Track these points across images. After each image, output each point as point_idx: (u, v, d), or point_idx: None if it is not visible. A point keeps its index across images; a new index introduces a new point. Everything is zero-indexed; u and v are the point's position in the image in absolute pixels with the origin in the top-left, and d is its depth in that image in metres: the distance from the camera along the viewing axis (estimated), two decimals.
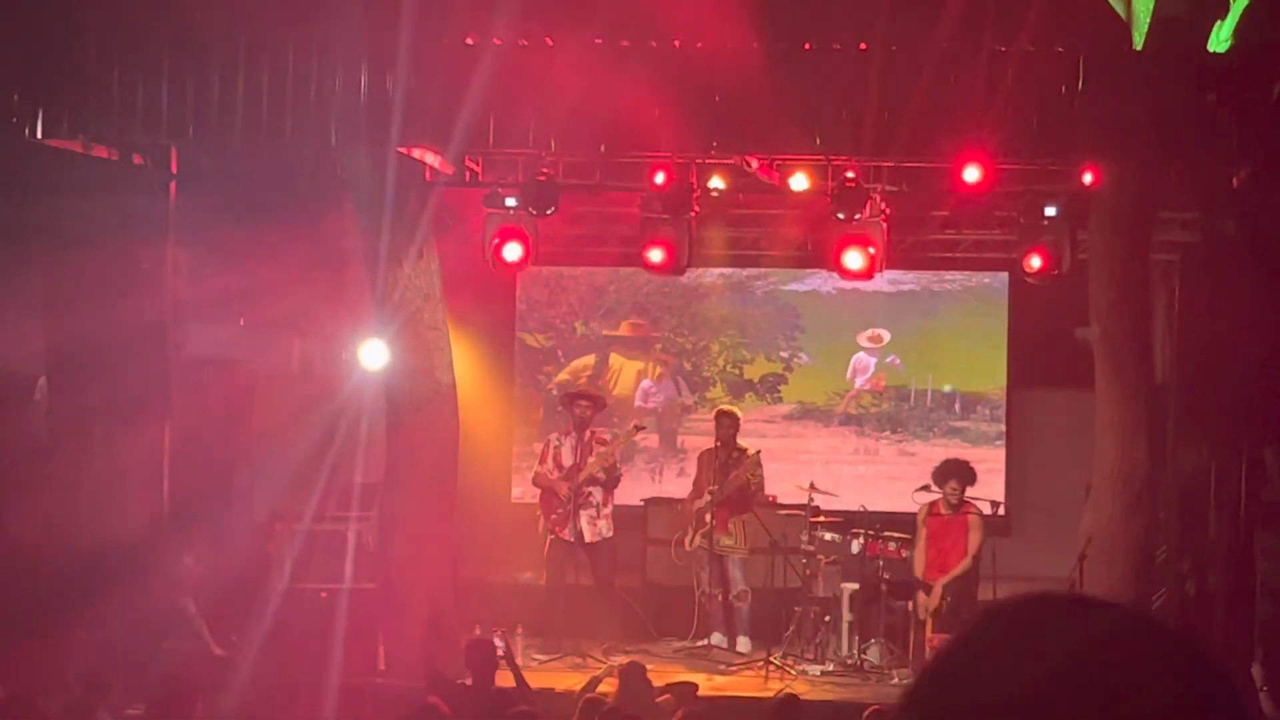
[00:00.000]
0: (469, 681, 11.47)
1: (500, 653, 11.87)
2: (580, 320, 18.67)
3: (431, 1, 12.58)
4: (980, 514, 14.24)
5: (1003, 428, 18.06)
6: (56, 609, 13.15)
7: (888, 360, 18.27)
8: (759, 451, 15.22)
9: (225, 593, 13.80)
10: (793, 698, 11.50)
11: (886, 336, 18.27)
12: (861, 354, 18.28)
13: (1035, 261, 13.56)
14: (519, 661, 13.51)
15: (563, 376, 18.48)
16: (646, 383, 18.55)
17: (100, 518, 14.01)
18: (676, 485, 17.06)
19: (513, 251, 14.30)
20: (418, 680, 12.53)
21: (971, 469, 14.43)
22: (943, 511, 14.26)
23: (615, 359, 18.75)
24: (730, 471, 15.06)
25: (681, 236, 14.00)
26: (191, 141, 13.14)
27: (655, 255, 14.09)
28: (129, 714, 11.24)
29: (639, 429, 15.75)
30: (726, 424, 15.33)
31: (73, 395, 13.49)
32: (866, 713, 10.15)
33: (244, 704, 11.54)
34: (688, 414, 18.43)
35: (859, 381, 18.26)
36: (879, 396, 18.28)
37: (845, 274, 14.18)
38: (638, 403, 18.49)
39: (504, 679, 11.83)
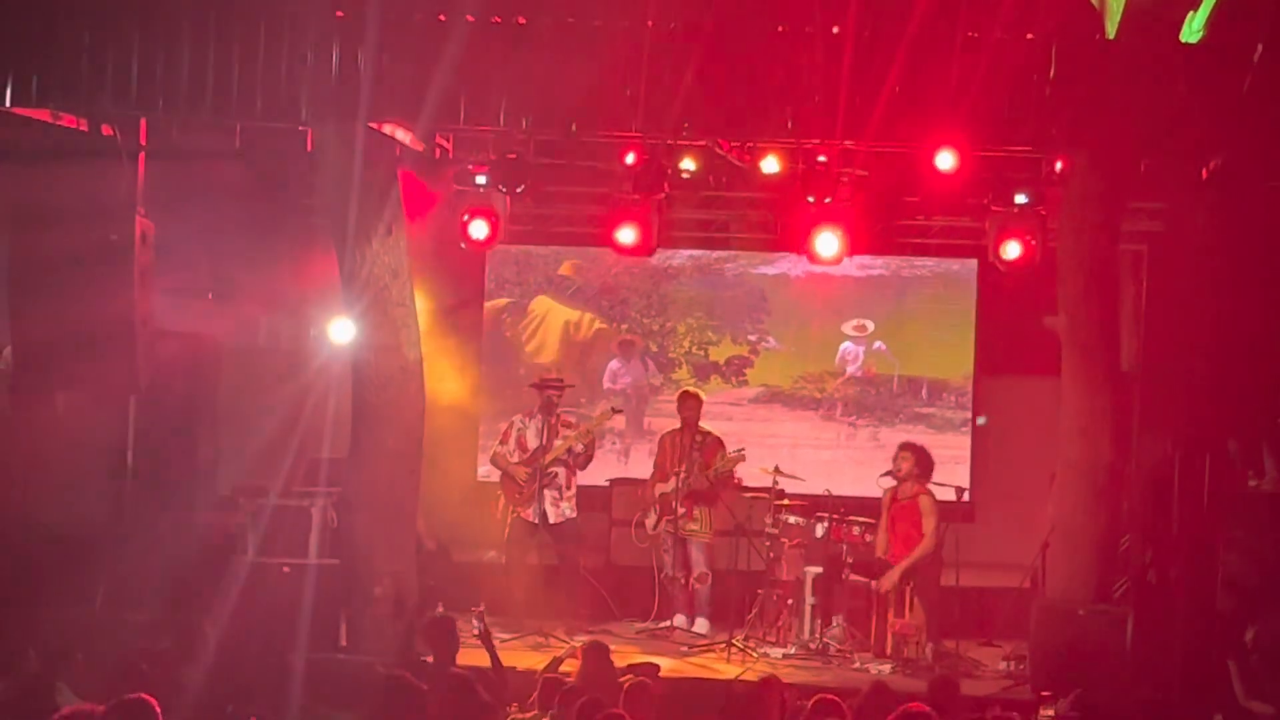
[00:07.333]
0: (430, 659, 11.44)
1: (477, 633, 11.87)
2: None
3: None
4: (932, 496, 14.29)
5: (969, 414, 18.08)
6: (17, 582, 13.10)
7: (875, 347, 18.29)
8: (743, 449, 15.15)
9: (189, 567, 13.74)
10: (774, 679, 11.20)
11: (871, 325, 18.28)
12: (849, 344, 18.30)
13: (1014, 250, 13.58)
14: None
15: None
16: (614, 363, 18.52)
17: (64, 490, 13.96)
18: (644, 467, 17.04)
19: (479, 229, 14.29)
20: (379, 656, 12.51)
21: (928, 453, 14.50)
22: (897, 493, 14.35)
23: (541, 303, 18.67)
24: (694, 454, 15.04)
25: (651, 218, 14.01)
26: (161, 114, 13.05)
27: (624, 236, 14.11)
28: None
29: (615, 411, 15.69)
30: (690, 405, 15.33)
31: (38, 366, 13.40)
32: (813, 701, 10.00)
33: (207, 678, 11.49)
34: (654, 395, 18.41)
35: (850, 370, 18.28)
36: (860, 383, 18.29)
37: (814, 258, 14.22)
38: (606, 384, 18.46)
39: (480, 658, 11.80)
